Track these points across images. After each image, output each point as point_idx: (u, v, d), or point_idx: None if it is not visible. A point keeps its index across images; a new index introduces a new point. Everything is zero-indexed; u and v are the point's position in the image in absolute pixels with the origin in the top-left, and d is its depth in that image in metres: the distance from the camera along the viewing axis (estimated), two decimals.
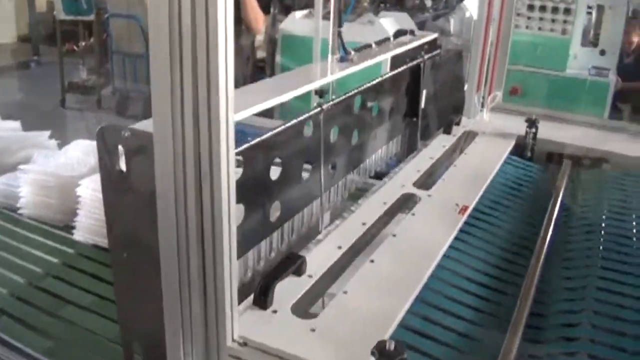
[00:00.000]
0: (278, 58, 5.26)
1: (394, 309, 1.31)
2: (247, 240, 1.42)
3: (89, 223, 1.96)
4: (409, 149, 2.63)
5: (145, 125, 1.14)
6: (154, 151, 1.06)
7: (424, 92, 2.54)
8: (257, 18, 5.21)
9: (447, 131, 2.42)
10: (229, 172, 1.05)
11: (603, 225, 1.88)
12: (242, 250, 1.37)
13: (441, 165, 2.16)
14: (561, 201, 2.03)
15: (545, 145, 2.52)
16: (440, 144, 2.31)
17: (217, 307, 1.12)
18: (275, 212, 1.70)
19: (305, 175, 1.78)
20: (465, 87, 2.71)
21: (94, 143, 1.25)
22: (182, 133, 1.04)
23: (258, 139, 1.43)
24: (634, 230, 1.86)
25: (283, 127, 1.51)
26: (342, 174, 2.04)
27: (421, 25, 5.33)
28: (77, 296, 1.68)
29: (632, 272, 1.62)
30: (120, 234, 1.23)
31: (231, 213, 1.08)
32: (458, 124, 2.51)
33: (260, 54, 5.63)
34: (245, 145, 1.38)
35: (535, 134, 2.48)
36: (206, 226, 1.08)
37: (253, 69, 5.58)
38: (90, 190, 1.98)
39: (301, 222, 1.83)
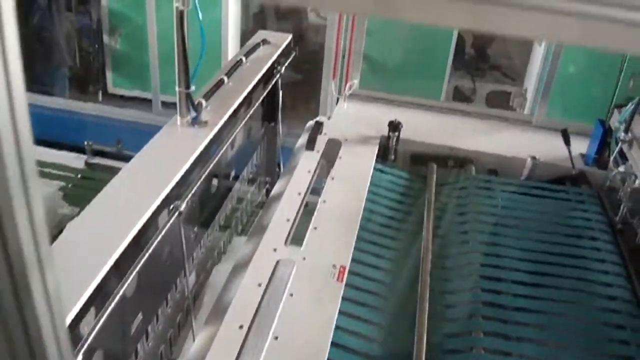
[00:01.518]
0: None
1: None
2: None
3: None
4: (270, 152, 2.49)
5: None
6: None
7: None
8: None
9: (310, 147, 2.25)
10: None
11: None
12: None
13: (310, 203, 2.01)
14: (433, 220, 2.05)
15: (408, 147, 2.47)
16: (305, 168, 2.14)
17: None
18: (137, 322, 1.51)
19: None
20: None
21: None
22: None
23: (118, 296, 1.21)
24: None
25: (145, 255, 1.29)
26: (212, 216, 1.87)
27: None
28: None
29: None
30: None
31: None
32: (321, 132, 2.35)
33: None
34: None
35: (398, 137, 2.41)
36: None
37: None
38: None
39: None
